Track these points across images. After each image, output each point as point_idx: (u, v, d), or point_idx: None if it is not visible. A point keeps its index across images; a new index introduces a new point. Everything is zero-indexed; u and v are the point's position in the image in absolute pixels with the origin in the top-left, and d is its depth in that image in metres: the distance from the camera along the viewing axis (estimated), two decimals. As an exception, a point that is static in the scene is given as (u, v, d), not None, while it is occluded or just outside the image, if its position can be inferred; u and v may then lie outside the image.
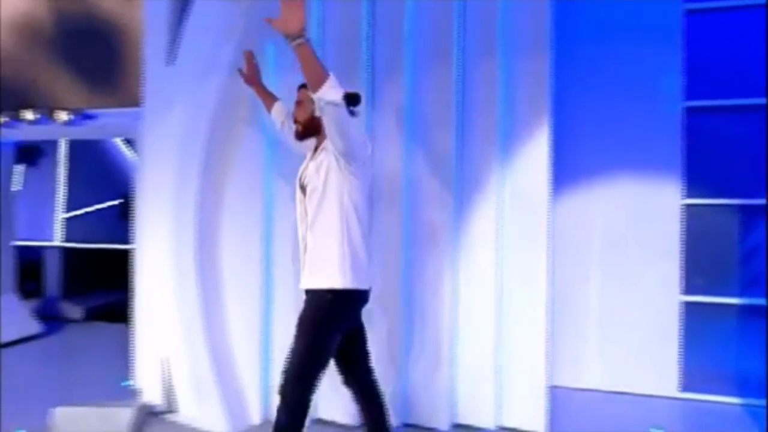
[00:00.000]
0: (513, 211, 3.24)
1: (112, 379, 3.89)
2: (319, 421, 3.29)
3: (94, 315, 6.03)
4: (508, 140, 3.24)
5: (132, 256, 3.64)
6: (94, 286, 6.47)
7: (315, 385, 2.31)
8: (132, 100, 3.65)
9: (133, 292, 3.63)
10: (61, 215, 6.82)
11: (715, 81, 3.85)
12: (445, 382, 3.23)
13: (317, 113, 2.24)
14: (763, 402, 3.53)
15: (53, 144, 6.57)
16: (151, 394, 3.44)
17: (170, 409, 3.42)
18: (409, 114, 3.27)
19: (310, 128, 2.44)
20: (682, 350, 3.85)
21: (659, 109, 3.88)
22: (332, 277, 2.32)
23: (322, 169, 2.34)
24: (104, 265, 6.38)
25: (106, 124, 4.14)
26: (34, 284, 6.21)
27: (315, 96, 2.12)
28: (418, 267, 3.26)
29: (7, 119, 3.97)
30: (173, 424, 3.34)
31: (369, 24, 3.30)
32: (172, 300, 3.35)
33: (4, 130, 4.10)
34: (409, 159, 3.27)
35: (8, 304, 5.10)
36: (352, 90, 2.34)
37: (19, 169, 6.06)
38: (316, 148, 2.46)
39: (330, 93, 2.09)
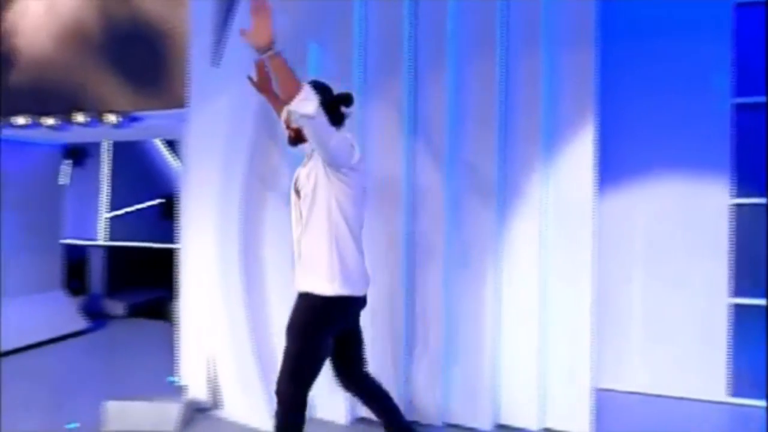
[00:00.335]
0: (557, 211, 3.21)
1: (157, 375, 3.97)
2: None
3: (135, 312, 6.19)
4: (552, 139, 3.21)
5: (173, 254, 3.70)
6: (136, 283, 6.63)
7: (309, 385, 2.33)
8: (177, 101, 3.71)
9: (173, 289, 3.70)
10: (104, 214, 7.01)
11: (765, 77, 3.72)
12: (488, 381, 3.21)
13: None
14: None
15: (96, 145, 6.76)
16: (196, 390, 3.50)
17: (216, 405, 3.48)
18: (452, 113, 3.26)
19: (301, 134, 2.40)
20: (730, 354, 3.76)
21: (707, 106, 3.78)
22: (321, 283, 2.34)
23: (312, 175, 2.35)
24: (145, 264, 6.53)
25: (152, 125, 4.23)
26: (78, 282, 6.38)
27: (288, 109, 2.10)
28: (461, 267, 3.25)
29: (59, 122, 4.10)
30: (219, 420, 3.40)
31: (411, 24, 3.30)
32: (218, 298, 3.40)
33: (56, 133, 4.23)
34: (452, 158, 3.26)
35: (56, 301, 5.29)
36: (344, 91, 2.38)
37: (67, 167, 6.23)
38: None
39: (302, 106, 2.05)
